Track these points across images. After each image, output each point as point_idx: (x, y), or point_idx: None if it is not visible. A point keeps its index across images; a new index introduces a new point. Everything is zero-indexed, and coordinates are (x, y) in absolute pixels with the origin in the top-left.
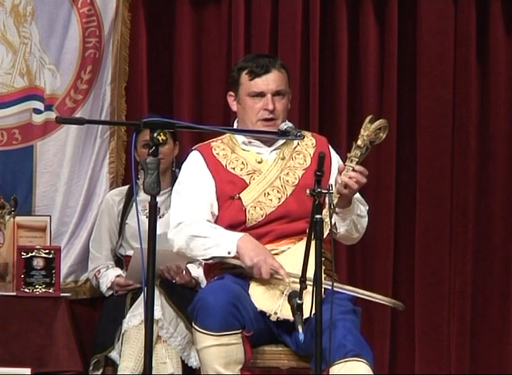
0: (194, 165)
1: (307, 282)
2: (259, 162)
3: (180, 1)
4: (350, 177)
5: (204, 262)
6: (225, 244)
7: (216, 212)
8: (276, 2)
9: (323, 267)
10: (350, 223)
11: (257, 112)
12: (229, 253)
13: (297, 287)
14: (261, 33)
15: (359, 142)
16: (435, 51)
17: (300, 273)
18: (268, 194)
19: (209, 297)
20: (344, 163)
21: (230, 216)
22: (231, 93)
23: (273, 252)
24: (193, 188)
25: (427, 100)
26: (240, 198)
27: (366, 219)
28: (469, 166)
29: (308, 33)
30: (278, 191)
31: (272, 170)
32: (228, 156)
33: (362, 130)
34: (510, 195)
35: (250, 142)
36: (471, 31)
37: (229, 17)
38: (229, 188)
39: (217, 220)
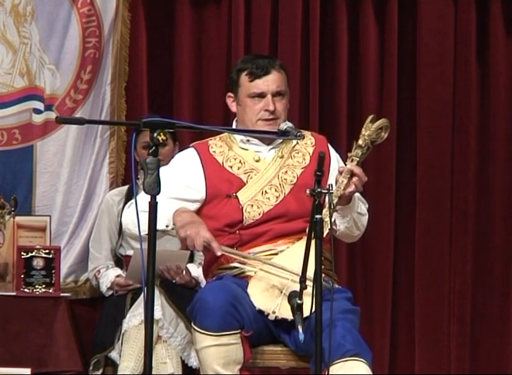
0: (186, 158)
1: (308, 282)
2: (257, 161)
3: (180, 1)
4: (353, 175)
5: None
6: (164, 217)
7: (196, 206)
8: (276, 2)
9: (323, 267)
10: (350, 220)
11: (257, 113)
12: (166, 226)
13: (297, 286)
14: (261, 33)
15: (360, 142)
16: (435, 51)
17: (299, 272)
18: (266, 192)
19: (208, 297)
20: (345, 163)
21: (227, 214)
22: (230, 94)
23: (271, 252)
24: (171, 175)
25: (427, 100)
26: (236, 197)
27: (366, 216)
28: (469, 166)
29: (308, 33)
30: (276, 190)
31: (270, 169)
32: (225, 153)
33: (363, 129)
34: (510, 195)
35: (248, 140)
36: (471, 31)
37: (229, 17)
38: (225, 187)
39: (213, 219)
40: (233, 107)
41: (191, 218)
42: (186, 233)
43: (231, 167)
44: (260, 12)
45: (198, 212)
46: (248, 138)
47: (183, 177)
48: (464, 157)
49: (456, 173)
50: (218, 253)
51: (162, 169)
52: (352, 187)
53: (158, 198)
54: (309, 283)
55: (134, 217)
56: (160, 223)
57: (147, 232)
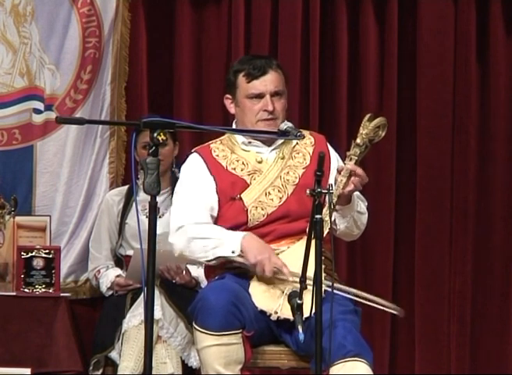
0: (194, 167)
1: (308, 281)
2: (259, 162)
3: (180, 1)
4: (354, 175)
5: (206, 263)
6: (229, 243)
7: (215, 215)
8: (276, 2)
9: (323, 267)
10: (350, 219)
11: (256, 113)
12: (233, 252)
13: (298, 286)
14: (261, 33)
15: (358, 140)
16: (435, 51)
17: (299, 272)
18: (269, 193)
19: (210, 296)
20: (344, 162)
21: (232, 216)
22: (228, 96)
23: (274, 252)
24: (193, 191)
25: (427, 100)
26: (241, 199)
27: (366, 215)
28: (469, 166)
29: (308, 33)
30: (279, 191)
31: (272, 170)
32: (228, 157)
33: (361, 128)
34: (510, 195)
35: (250, 142)
36: (471, 31)
37: (229, 17)
38: (230, 189)
39: (218, 221)
40: (232, 109)
41: (260, 244)
42: (256, 259)
43: (234, 169)
44: (260, 12)
45: None
46: (250, 140)
47: (203, 196)
48: (464, 157)
49: (456, 173)
50: (290, 279)
51: (181, 192)
52: (351, 187)
53: (201, 226)
54: (309, 283)
55: (190, 243)
56: (225, 249)
57: (208, 258)
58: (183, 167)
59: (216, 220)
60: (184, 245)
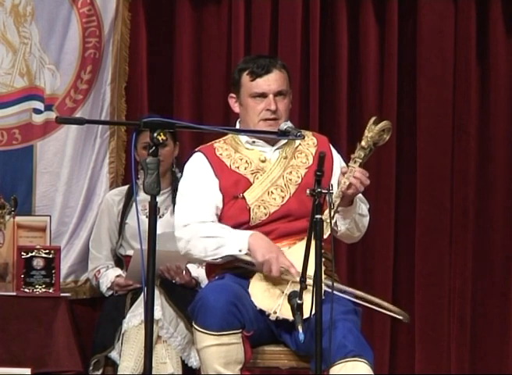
0: (198, 165)
1: (308, 281)
2: (263, 161)
3: (180, 1)
4: (355, 177)
5: (212, 261)
6: (236, 242)
7: (219, 213)
8: (276, 2)
9: (323, 267)
10: (350, 221)
11: (259, 113)
12: (240, 251)
13: (297, 286)
14: (261, 33)
15: (363, 143)
16: (435, 51)
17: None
18: (272, 193)
19: (209, 296)
20: (347, 164)
21: (234, 215)
22: (232, 95)
23: None
24: (197, 189)
25: (427, 100)
26: (243, 198)
27: (367, 218)
28: (469, 166)
29: (308, 33)
30: (281, 190)
31: (275, 169)
32: (232, 156)
33: (366, 131)
34: (510, 195)
35: (253, 142)
36: (471, 31)
37: (229, 17)
38: (233, 188)
39: (221, 220)
40: (236, 108)
41: (268, 243)
42: (264, 257)
43: (238, 168)
44: (260, 12)
45: None
46: (254, 139)
47: (208, 195)
48: (464, 157)
49: (456, 173)
50: (297, 279)
51: (185, 191)
52: (352, 189)
53: (207, 225)
54: (309, 284)
55: (194, 242)
56: (232, 248)
57: (216, 257)
58: (187, 166)
59: (218, 219)
60: (191, 244)
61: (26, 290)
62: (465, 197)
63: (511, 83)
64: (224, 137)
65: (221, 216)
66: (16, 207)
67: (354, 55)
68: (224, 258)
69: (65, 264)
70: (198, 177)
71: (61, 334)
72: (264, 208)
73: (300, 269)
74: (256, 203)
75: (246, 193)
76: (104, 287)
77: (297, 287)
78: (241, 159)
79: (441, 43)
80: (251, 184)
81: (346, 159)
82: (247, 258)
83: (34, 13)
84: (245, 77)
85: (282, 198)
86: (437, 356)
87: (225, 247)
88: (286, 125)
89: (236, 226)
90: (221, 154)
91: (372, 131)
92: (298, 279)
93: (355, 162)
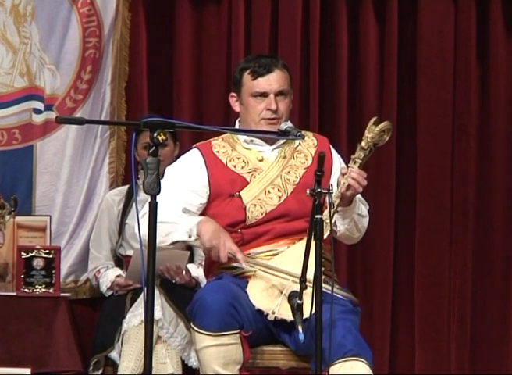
0: (189, 160)
1: (307, 283)
2: (260, 161)
3: (180, 1)
4: (353, 178)
5: (165, 247)
6: (186, 227)
7: (194, 210)
8: (276, 2)
9: (323, 268)
10: (350, 221)
11: (260, 112)
12: (189, 236)
13: (297, 287)
14: (261, 33)
15: (363, 144)
16: (435, 51)
17: (299, 273)
18: (269, 192)
19: (207, 297)
20: (347, 164)
21: (230, 214)
22: (233, 94)
23: (272, 253)
24: (177, 179)
25: (427, 100)
26: (240, 196)
27: (367, 218)
28: (469, 166)
29: (308, 33)
30: (279, 190)
31: (273, 168)
32: (228, 154)
33: (366, 131)
34: (510, 195)
35: (251, 141)
36: (471, 31)
37: (229, 17)
38: (229, 186)
39: (216, 218)
40: (236, 107)
41: (216, 229)
42: (211, 243)
43: (234, 166)
44: (260, 12)
45: (202, 211)
46: (252, 138)
47: (189, 182)
48: (464, 157)
49: (456, 173)
50: (244, 265)
51: (168, 172)
52: (351, 190)
53: (165, 211)
54: (309, 284)
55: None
56: (181, 233)
57: (166, 242)
58: (180, 157)
59: (214, 216)
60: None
61: (26, 290)
62: (465, 197)
63: (511, 83)
64: (222, 135)
65: (217, 214)
66: (16, 207)
67: (354, 55)
68: (175, 244)
69: (65, 264)
70: (183, 169)
71: (61, 334)
72: (261, 208)
73: (293, 270)
74: (252, 202)
75: (242, 192)
76: (104, 287)
77: (297, 287)
78: (238, 158)
79: (441, 43)
80: (248, 183)
81: (346, 160)
82: (197, 243)
83: (34, 13)
84: (246, 76)
85: (279, 197)
86: (437, 356)
87: (175, 233)
88: (286, 125)
89: (232, 225)
90: (217, 151)
91: (372, 132)
92: (244, 265)
93: (355, 162)
